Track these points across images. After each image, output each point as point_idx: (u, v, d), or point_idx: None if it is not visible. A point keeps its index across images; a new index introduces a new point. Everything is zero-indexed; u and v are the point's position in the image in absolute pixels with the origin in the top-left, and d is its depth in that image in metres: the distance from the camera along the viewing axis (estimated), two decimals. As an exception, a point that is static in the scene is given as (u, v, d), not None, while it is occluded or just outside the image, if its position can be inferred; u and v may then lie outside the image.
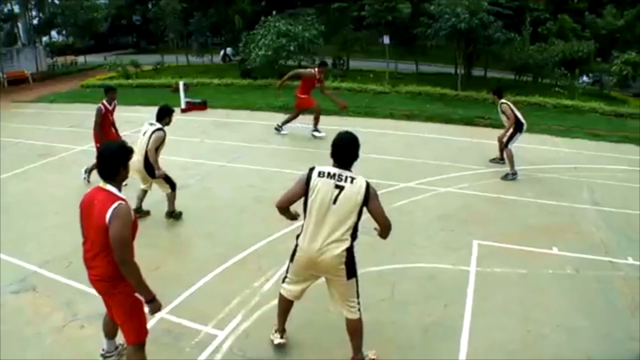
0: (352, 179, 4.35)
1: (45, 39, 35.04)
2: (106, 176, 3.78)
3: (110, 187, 3.76)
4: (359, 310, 4.60)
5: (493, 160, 10.65)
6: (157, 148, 7.30)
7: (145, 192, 7.80)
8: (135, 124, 11.60)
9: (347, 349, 4.79)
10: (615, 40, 21.97)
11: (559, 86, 19.93)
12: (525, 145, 11.30)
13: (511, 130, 9.88)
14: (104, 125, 8.99)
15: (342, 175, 4.35)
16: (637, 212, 8.56)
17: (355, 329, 4.62)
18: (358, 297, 4.62)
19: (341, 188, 4.30)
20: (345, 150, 4.44)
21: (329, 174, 4.36)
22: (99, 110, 8.88)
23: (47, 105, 18.86)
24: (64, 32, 35.33)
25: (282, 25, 20.03)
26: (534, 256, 7.13)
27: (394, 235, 6.81)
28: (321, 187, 4.33)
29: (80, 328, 5.48)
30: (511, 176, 9.69)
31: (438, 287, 6.35)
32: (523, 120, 9.99)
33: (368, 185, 4.38)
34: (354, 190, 4.32)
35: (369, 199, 4.34)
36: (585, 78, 23.50)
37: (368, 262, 6.22)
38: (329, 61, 24.06)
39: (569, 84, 19.95)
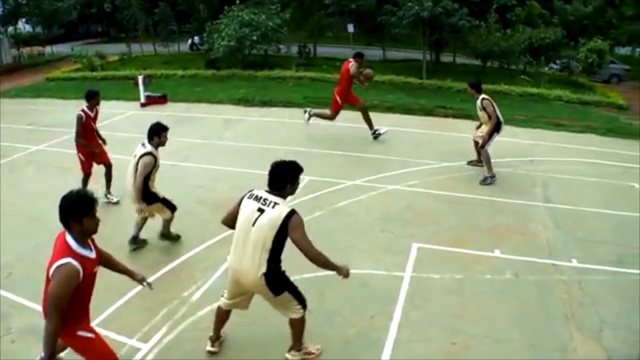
0: (275, 204, 4.23)
1: (10, 29, 33.87)
2: (64, 225, 3.57)
3: (69, 238, 3.56)
4: (302, 309, 4.57)
5: (471, 163, 10.09)
6: (150, 173, 6.38)
7: (144, 219, 6.81)
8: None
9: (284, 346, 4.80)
10: (584, 27, 21.72)
11: (526, 73, 19.65)
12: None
13: (487, 132, 9.31)
14: (87, 135, 8.05)
15: (267, 200, 4.27)
16: (589, 209, 8.37)
17: (295, 323, 4.64)
18: (299, 301, 4.56)
19: (262, 211, 4.22)
20: (275, 174, 4.36)
21: (256, 196, 4.32)
22: (79, 119, 7.89)
23: (8, 101, 17.95)
24: (30, 22, 34.17)
25: (245, 15, 19.47)
26: (474, 260, 6.85)
27: (332, 239, 6.51)
28: (245, 209, 4.31)
29: (11, 342, 5.22)
30: (490, 179, 9.15)
31: (369, 295, 6.05)
32: (502, 119, 9.50)
33: (290, 215, 4.20)
34: (273, 216, 4.18)
35: (289, 228, 4.17)
36: (554, 65, 23.28)
37: (301, 269, 5.62)
38: (295, 49, 23.64)
39: (535, 71, 19.69)
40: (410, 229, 7.59)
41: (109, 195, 8.32)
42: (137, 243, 6.86)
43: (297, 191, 8.18)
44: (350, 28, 18.83)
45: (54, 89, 18.59)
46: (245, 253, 4.24)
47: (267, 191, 4.33)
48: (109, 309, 5.65)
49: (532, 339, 5.47)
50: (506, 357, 5.12)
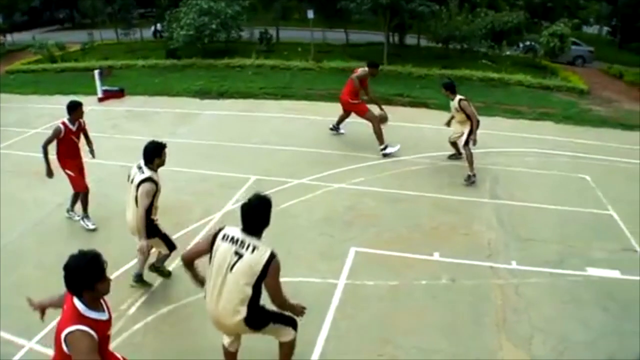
0: (254, 248, 3.96)
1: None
2: (73, 292, 3.20)
3: (77, 303, 3.21)
4: (292, 331, 4.40)
5: (452, 157, 9.92)
6: (152, 201, 5.53)
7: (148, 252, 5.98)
8: (50, 118, 10.61)
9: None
10: (550, 9, 21.54)
11: (488, 57, 19.46)
12: (438, 126, 10.78)
13: (467, 132, 8.99)
14: (64, 152, 7.07)
15: (244, 243, 3.98)
16: (536, 205, 8.25)
17: (283, 345, 4.45)
18: (287, 324, 4.37)
19: (240, 256, 3.95)
20: (251, 217, 4.03)
21: (232, 238, 4.00)
22: (56, 131, 6.89)
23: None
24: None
25: (204, 3, 18.91)
26: (411, 264, 6.71)
27: (272, 244, 6.39)
28: (221, 251, 4.00)
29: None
30: (473, 178, 8.86)
31: None
32: (479, 118, 9.20)
33: (271, 259, 3.96)
34: (253, 261, 3.93)
35: (268, 273, 3.95)
36: (518, 47, 23.14)
37: None
38: (257, 34, 23.10)
39: (497, 55, 19.49)
40: (351, 232, 7.42)
41: (71, 213, 7.59)
42: (144, 281, 6.07)
43: (242, 191, 7.90)
44: (310, 14, 18.39)
45: (14, 84, 17.72)
46: (221, 298, 4.00)
47: (242, 231, 4.04)
48: (49, 325, 5.28)
49: (459, 349, 5.38)
50: None
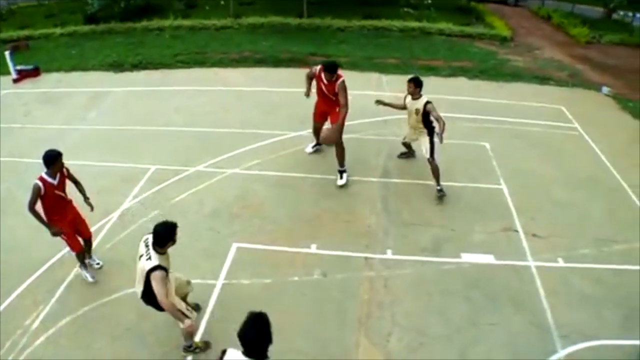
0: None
1: None
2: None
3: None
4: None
5: (402, 155, 8.96)
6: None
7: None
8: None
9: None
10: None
11: (410, 5, 18.79)
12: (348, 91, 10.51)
13: (429, 143, 7.84)
14: (50, 209, 5.97)
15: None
16: (424, 182, 8.18)
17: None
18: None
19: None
20: (252, 344, 3.80)
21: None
22: (35, 190, 5.77)
23: None
24: None
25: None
26: (288, 259, 6.72)
27: None
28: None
29: None
30: (442, 192, 7.89)
31: None
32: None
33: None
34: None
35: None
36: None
37: (127, 282, 5.90)
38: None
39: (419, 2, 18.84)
40: (236, 226, 7.34)
41: (89, 260, 6.60)
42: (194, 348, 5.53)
43: (142, 184, 7.89)
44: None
45: None
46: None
47: (244, 353, 3.88)
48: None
49: (318, 349, 5.51)
50: None
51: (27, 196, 6.41)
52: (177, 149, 9.26)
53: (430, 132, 7.78)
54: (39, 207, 5.82)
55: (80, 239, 6.28)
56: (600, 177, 8.73)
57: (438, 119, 7.50)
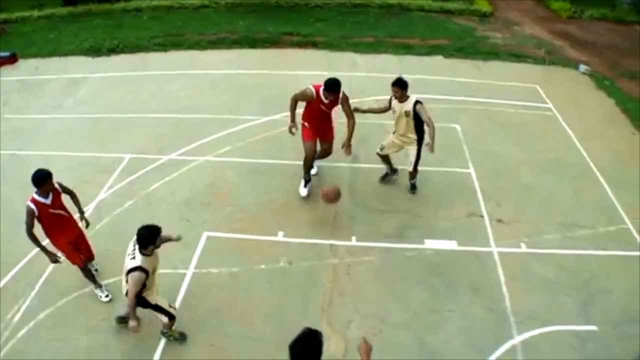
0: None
1: None
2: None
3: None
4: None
5: (385, 179, 8.09)
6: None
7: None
8: None
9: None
10: None
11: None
12: (319, 72, 10.49)
13: (415, 152, 7.35)
14: (49, 228, 5.74)
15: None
16: (398, 167, 8.18)
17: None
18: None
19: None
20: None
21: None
22: (28, 213, 5.50)
23: None
24: None
25: None
26: (256, 247, 6.85)
27: (132, 236, 6.36)
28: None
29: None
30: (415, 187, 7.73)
31: None
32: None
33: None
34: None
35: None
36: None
37: (102, 274, 6.38)
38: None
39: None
40: (206, 214, 7.44)
41: (97, 290, 6.24)
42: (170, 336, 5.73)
43: (117, 173, 8.01)
44: None
45: None
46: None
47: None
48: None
49: (281, 336, 5.51)
50: (256, 357, 5.42)
51: (7, 189, 6.49)
52: (151, 137, 9.25)
53: (420, 140, 7.20)
54: (39, 227, 5.61)
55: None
56: (570, 160, 8.81)
57: (428, 122, 6.93)
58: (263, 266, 6.54)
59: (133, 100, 10.71)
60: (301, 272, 6.46)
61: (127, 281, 5.04)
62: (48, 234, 5.76)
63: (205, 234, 7.03)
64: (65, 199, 5.86)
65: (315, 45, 12.84)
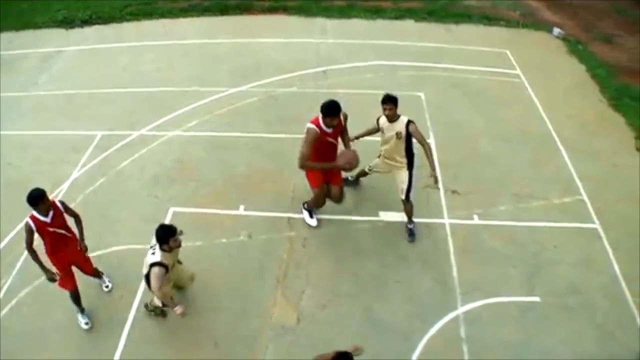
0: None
1: None
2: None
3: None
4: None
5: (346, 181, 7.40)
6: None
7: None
8: None
9: None
10: None
11: None
12: (284, 39, 10.63)
13: (407, 179, 6.55)
14: (51, 246, 5.61)
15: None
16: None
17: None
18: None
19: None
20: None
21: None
22: (27, 230, 5.37)
23: None
24: None
25: None
26: (218, 221, 7.14)
27: (104, 215, 6.87)
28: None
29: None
30: (414, 234, 6.89)
31: (123, 273, 6.44)
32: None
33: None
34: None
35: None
36: None
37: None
38: None
39: None
40: (173, 190, 7.69)
41: (100, 281, 6.42)
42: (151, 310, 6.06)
43: (90, 151, 8.48)
44: None
45: None
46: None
47: None
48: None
49: (240, 306, 6.05)
50: (217, 325, 5.83)
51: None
52: (122, 113, 9.37)
53: (411, 163, 6.50)
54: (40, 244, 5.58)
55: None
56: (532, 129, 8.86)
57: (423, 141, 6.26)
58: (224, 240, 6.84)
59: (106, 74, 10.75)
60: (260, 245, 6.76)
61: (147, 271, 5.23)
62: (47, 250, 5.65)
63: (171, 210, 7.30)
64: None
65: (286, 10, 12.73)
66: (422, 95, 9.59)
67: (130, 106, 9.57)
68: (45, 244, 5.58)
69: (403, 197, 6.57)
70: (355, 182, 7.58)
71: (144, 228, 6.86)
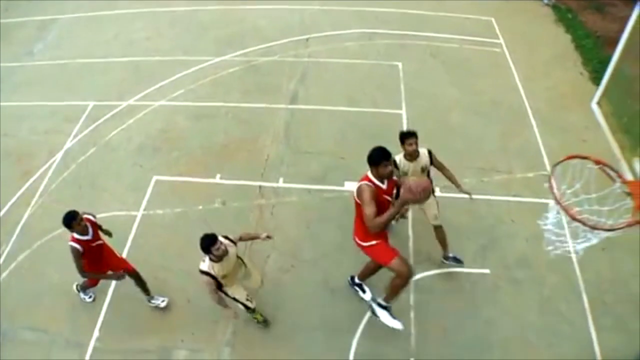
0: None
1: None
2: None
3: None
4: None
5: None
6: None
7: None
8: None
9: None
10: None
11: None
12: (271, 6, 10.79)
13: (434, 196, 6.23)
14: (93, 261, 5.66)
15: None
16: (330, 108, 8.70)
17: None
18: None
19: None
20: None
21: None
22: (75, 253, 5.39)
23: None
24: None
25: None
26: (196, 189, 7.62)
27: (94, 184, 7.39)
28: None
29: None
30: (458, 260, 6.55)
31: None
32: None
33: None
34: None
35: None
36: None
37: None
38: None
39: None
40: (156, 159, 8.16)
41: (153, 301, 6.41)
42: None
43: (82, 121, 8.85)
44: None
45: None
46: None
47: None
48: None
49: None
50: (190, 287, 6.28)
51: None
52: (113, 82, 9.75)
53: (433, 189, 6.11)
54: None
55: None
56: (506, 101, 8.85)
57: (443, 168, 6.10)
58: (200, 207, 7.34)
59: (98, 43, 11.06)
60: (232, 212, 7.24)
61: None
62: (92, 266, 5.66)
63: (154, 178, 7.81)
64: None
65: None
66: (399, 64, 9.68)
67: (120, 76, 9.94)
68: (89, 260, 5.56)
69: (438, 222, 6.24)
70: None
71: (130, 196, 7.54)
